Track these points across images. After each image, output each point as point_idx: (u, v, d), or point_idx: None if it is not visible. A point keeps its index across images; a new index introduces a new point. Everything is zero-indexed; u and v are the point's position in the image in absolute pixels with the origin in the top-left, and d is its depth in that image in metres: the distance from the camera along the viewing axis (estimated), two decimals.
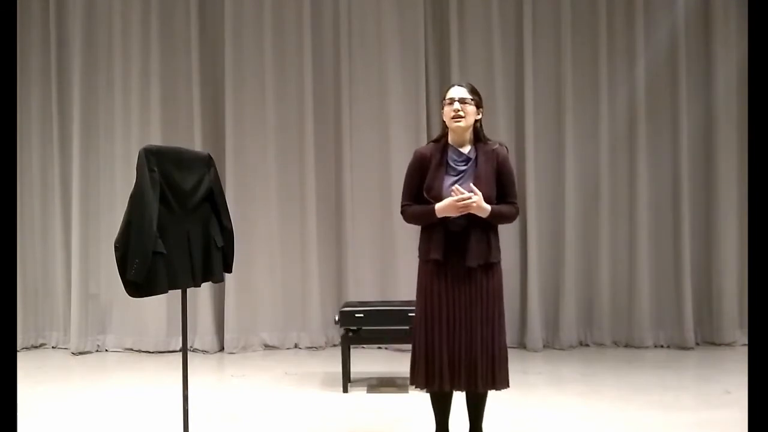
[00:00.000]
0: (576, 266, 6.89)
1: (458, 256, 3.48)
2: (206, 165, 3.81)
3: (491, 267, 3.51)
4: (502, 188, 3.55)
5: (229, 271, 3.99)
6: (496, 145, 3.62)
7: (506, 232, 6.88)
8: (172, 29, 7.02)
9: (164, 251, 3.35)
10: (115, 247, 3.29)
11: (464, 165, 3.55)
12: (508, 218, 3.58)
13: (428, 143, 3.83)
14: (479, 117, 3.61)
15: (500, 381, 3.51)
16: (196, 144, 6.79)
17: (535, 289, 6.81)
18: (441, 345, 3.47)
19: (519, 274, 6.90)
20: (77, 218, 6.87)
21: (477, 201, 3.41)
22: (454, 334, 3.47)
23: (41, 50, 7.12)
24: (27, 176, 7.08)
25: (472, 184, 3.46)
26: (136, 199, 3.31)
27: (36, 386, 5.48)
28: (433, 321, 3.50)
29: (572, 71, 6.90)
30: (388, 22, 6.96)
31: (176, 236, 3.50)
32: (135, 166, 3.34)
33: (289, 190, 6.99)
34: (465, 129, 3.57)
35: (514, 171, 3.68)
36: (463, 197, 3.40)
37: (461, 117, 3.54)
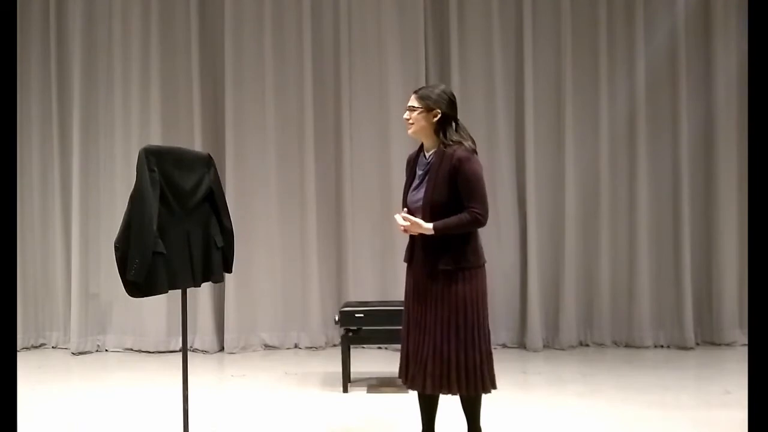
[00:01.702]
0: (576, 266, 6.89)
1: (420, 261, 3.55)
2: (206, 165, 3.81)
3: (456, 273, 3.45)
4: (460, 192, 3.44)
5: (229, 271, 4.00)
6: (455, 147, 3.48)
7: (506, 232, 6.93)
8: (172, 29, 7.02)
9: (164, 251, 3.35)
10: (115, 247, 3.29)
11: (422, 170, 3.58)
12: (461, 227, 3.43)
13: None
14: (435, 119, 3.53)
15: (454, 386, 3.43)
16: (196, 144, 6.79)
17: (535, 289, 6.80)
18: (405, 343, 3.59)
19: (519, 274, 6.90)
20: (77, 218, 6.86)
21: (409, 228, 3.48)
22: (416, 335, 3.53)
23: (41, 50, 7.10)
24: (27, 176, 7.07)
25: (402, 214, 3.52)
26: (136, 200, 3.32)
27: (36, 386, 5.48)
28: (404, 319, 3.64)
29: (572, 71, 6.89)
30: (388, 22, 6.96)
31: (176, 236, 3.51)
32: (135, 166, 3.34)
33: (289, 190, 6.99)
34: (420, 135, 3.60)
35: (477, 171, 3.45)
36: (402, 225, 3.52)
37: (411, 125, 3.60)
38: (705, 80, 6.96)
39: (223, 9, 6.94)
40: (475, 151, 3.54)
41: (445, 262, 3.46)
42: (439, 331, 3.45)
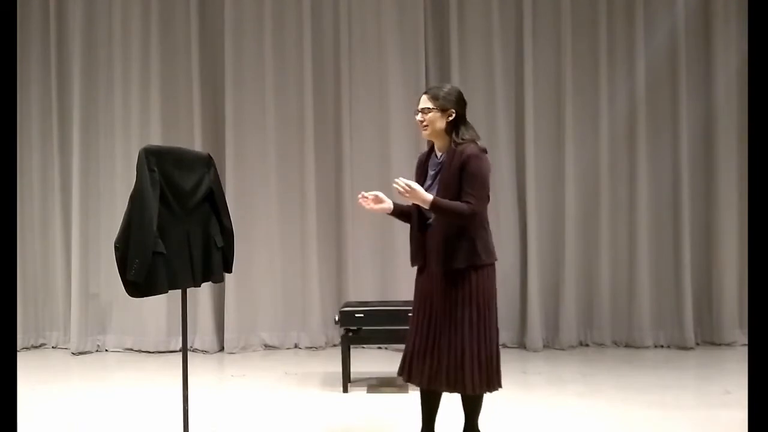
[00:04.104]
0: (576, 266, 6.89)
1: (433, 260, 3.53)
2: (206, 165, 3.81)
3: (469, 270, 3.46)
4: (462, 185, 3.44)
5: (229, 271, 4.00)
6: (466, 145, 3.50)
7: (506, 232, 6.93)
8: (172, 29, 7.02)
9: (164, 251, 3.35)
10: (115, 247, 3.29)
11: (434, 170, 3.58)
12: (453, 213, 3.42)
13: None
14: (450, 119, 3.54)
15: (468, 385, 3.44)
16: (196, 144, 6.79)
17: (535, 289, 6.80)
18: (412, 339, 3.59)
19: (519, 274, 6.90)
20: (77, 218, 6.86)
21: (409, 192, 3.37)
22: (426, 333, 3.53)
23: (41, 50, 7.10)
24: (27, 177, 7.07)
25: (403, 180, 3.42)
26: (136, 200, 3.31)
27: (36, 386, 5.47)
28: (413, 318, 3.62)
29: (572, 71, 6.89)
30: (388, 22, 6.96)
31: (176, 236, 3.51)
32: (135, 166, 3.34)
33: (289, 190, 6.99)
34: (433, 136, 3.59)
35: (483, 169, 3.47)
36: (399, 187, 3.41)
37: (426, 126, 3.58)
38: (705, 80, 6.96)
39: (223, 9, 6.94)
40: (485, 150, 3.55)
41: (459, 261, 3.45)
42: (453, 329, 3.45)
